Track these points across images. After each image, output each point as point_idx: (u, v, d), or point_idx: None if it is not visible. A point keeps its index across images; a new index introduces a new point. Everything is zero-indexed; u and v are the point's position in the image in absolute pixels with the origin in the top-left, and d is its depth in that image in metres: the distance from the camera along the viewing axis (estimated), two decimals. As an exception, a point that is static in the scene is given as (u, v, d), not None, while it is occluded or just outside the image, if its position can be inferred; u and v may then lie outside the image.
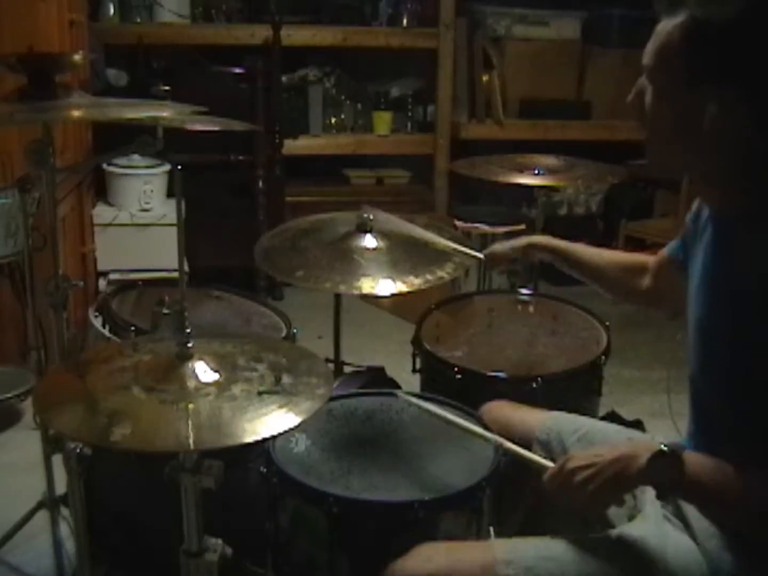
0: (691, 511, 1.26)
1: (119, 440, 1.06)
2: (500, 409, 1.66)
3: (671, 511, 1.32)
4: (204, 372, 1.20)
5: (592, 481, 1.20)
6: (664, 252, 1.55)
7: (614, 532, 1.26)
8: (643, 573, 1.21)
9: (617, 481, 1.19)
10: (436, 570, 1.22)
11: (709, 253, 1.26)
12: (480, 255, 1.89)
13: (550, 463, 1.31)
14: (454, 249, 1.93)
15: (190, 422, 1.11)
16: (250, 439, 1.08)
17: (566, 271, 1.77)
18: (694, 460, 1.16)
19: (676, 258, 1.48)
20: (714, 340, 1.22)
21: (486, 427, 1.50)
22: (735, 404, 1.19)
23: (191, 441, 1.08)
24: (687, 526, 1.27)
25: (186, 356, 1.21)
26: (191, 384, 1.18)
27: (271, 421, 1.12)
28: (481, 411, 1.65)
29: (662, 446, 1.16)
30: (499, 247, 1.86)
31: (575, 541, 1.25)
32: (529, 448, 1.53)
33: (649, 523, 1.30)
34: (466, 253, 1.92)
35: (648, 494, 1.37)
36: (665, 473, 1.15)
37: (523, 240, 1.82)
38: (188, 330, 1.21)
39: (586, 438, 1.52)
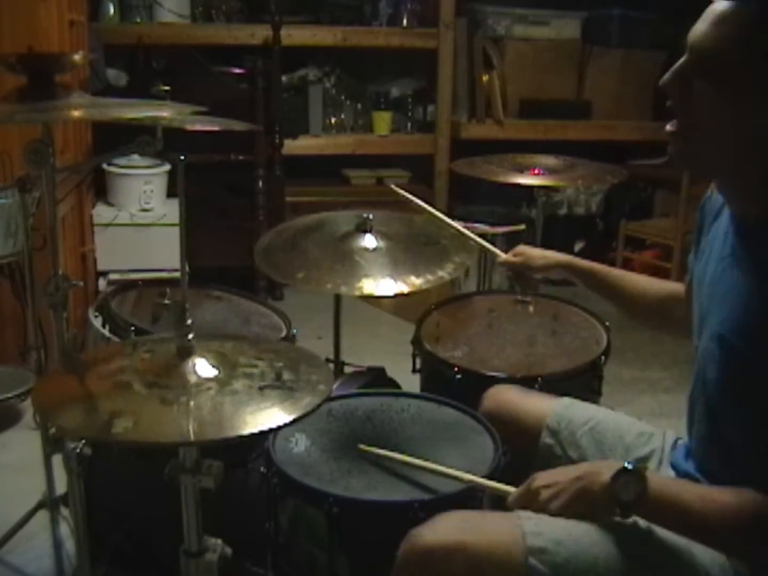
0: None
1: (121, 433, 1.06)
2: (508, 392, 1.64)
3: None
4: (205, 368, 1.20)
5: (555, 498, 1.20)
6: (688, 276, 1.48)
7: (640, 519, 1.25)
8: (669, 562, 1.20)
9: (580, 498, 1.19)
10: (461, 539, 1.17)
11: (727, 254, 1.22)
12: (502, 255, 1.90)
13: (512, 489, 1.30)
14: (476, 242, 1.98)
15: (191, 416, 1.11)
16: (251, 431, 1.08)
17: (596, 294, 1.73)
18: (658, 479, 1.16)
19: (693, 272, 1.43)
20: (740, 348, 1.16)
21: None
22: (754, 415, 1.16)
23: (192, 434, 1.08)
24: None
25: (187, 351, 1.21)
26: (192, 379, 1.18)
27: (273, 415, 1.12)
28: (486, 394, 1.64)
29: (626, 464, 1.15)
30: (530, 254, 1.83)
31: (602, 523, 1.23)
32: (538, 434, 1.53)
33: None
34: (487, 249, 1.96)
35: None
36: (628, 490, 1.14)
37: (558, 258, 1.79)
38: (189, 321, 1.21)
39: (597, 429, 1.51)
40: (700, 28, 1.10)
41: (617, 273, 1.73)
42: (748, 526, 1.11)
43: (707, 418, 1.27)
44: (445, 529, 1.20)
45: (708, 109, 1.12)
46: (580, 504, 1.20)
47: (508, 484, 1.34)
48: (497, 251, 1.93)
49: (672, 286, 1.64)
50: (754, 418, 1.15)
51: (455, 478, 1.37)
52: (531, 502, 1.24)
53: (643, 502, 1.14)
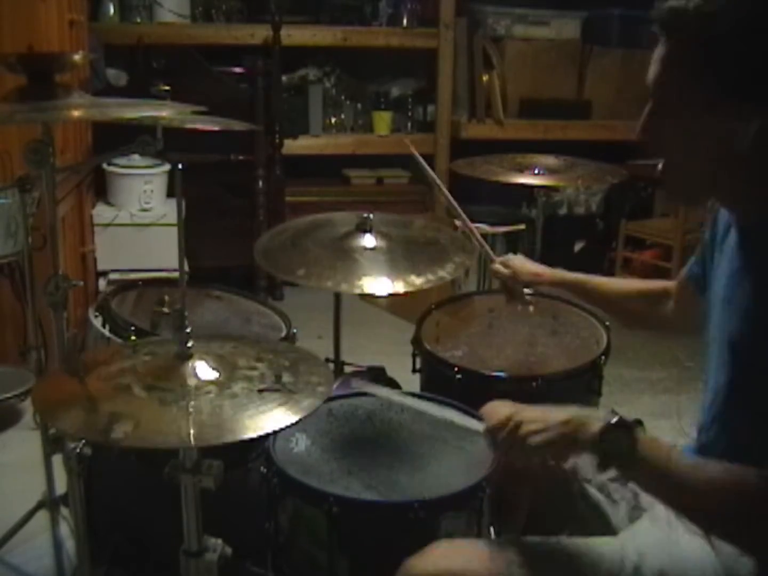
0: None
1: (120, 437, 1.06)
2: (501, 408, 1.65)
3: None
4: (204, 371, 1.20)
5: (537, 435, 1.17)
6: (683, 274, 1.51)
7: (626, 535, 1.25)
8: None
9: (563, 441, 1.16)
10: (450, 568, 1.19)
11: (734, 265, 1.22)
12: (495, 261, 1.90)
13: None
14: (477, 239, 1.99)
15: (191, 419, 1.11)
16: (251, 435, 1.08)
17: (585, 302, 1.77)
18: (649, 440, 1.13)
19: (696, 276, 1.44)
20: (749, 356, 1.16)
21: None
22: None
23: (192, 438, 1.08)
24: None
25: (186, 356, 1.21)
26: (192, 383, 1.18)
27: (272, 418, 1.12)
28: (482, 411, 1.64)
29: (617, 419, 1.13)
30: (519, 268, 1.85)
31: (588, 543, 1.23)
32: None
33: (660, 524, 1.28)
34: (485, 250, 1.97)
35: None
36: (615, 446, 1.12)
37: (544, 277, 1.82)
38: (188, 329, 1.21)
39: None
40: (651, 73, 1.16)
41: (602, 281, 1.76)
42: (737, 502, 1.08)
43: (719, 426, 1.26)
44: (434, 558, 1.22)
45: (678, 141, 1.15)
46: (561, 447, 1.17)
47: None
48: (492, 256, 1.93)
49: (658, 283, 1.67)
50: (763, 424, 1.14)
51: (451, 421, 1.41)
52: (511, 433, 1.21)
53: (629, 460, 1.12)
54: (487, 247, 1.99)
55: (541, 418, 1.20)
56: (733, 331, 1.19)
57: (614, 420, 1.13)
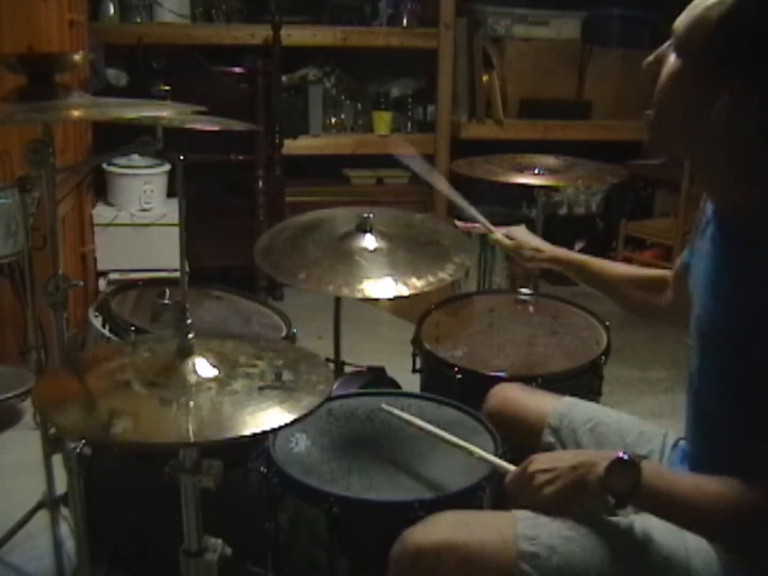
0: None
1: (120, 433, 1.06)
2: (512, 391, 1.65)
3: None
4: (204, 368, 1.20)
5: (551, 484, 1.21)
6: (678, 263, 1.53)
7: (636, 523, 1.25)
8: (664, 566, 1.20)
9: (575, 487, 1.19)
10: (452, 539, 1.18)
11: (710, 250, 1.25)
12: (496, 233, 1.92)
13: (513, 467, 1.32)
14: (471, 214, 2.00)
15: (191, 416, 1.11)
16: (251, 431, 1.08)
17: (585, 284, 1.78)
18: (653, 470, 1.16)
19: (686, 265, 1.45)
20: (712, 338, 1.21)
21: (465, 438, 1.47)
22: (732, 405, 1.18)
23: (192, 434, 1.08)
24: None
25: (187, 351, 1.21)
26: (192, 379, 1.18)
27: (273, 415, 1.12)
28: (490, 392, 1.65)
29: (621, 455, 1.16)
30: (524, 242, 1.86)
31: (599, 525, 1.23)
32: (540, 432, 1.54)
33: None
34: (483, 224, 1.97)
35: None
36: (622, 482, 1.14)
37: (547, 253, 1.83)
38: (189, 321, 1.21)
39: (599, 429, 1.52)
40: (682, 15, 1.17)
41: (603, 264, 1.77)
42: (739, 515, 1.10)
43: (695, 415, 1.29)
44: (436, 528, 1.21)
45: (677, 86, 1.17)
46: (574, 493, 1.20)
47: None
48: (491, 227, 1.95)
49: (657, 272, 1.70)
50: (737, 411, 1.17)
51: (465, 450, 1.41)
52: (526, 484, 1.24)
53: (637, 492, 1.14)
54: (485, 221, 1.99)
55: (551, 465, 1.23)
56: (702, 316, 1.22)
57: (617, 456, 1.15)
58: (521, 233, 1.90)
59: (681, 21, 1.17)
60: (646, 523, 1.23)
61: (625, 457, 1.15)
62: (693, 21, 1.14)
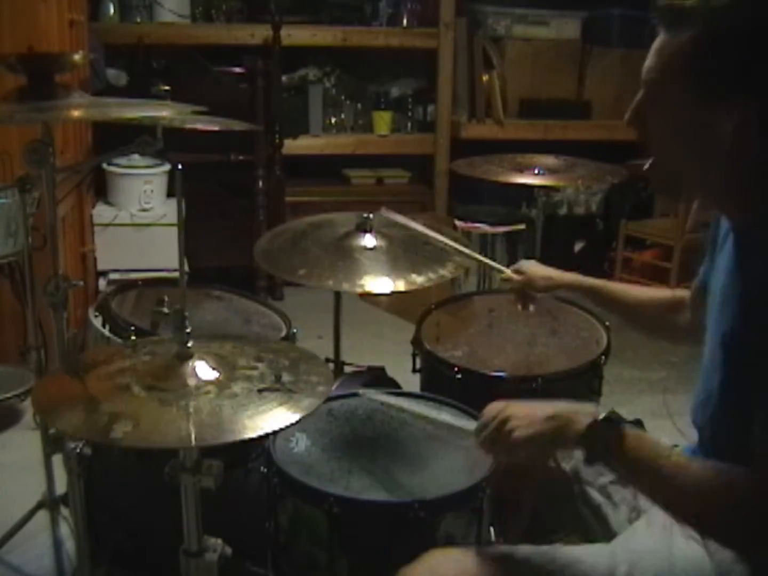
0: None
1: (120, 437, 1.06)
2: None
3: None
4: (204, 371, 1.20)
5: (521, 431, 1.19)
6: (696, 283, 1.49)
7: (619, 542, 1.24)
8: None
9: (548, 436, 1.18)
10: None
11: (730, 265, 1.22)
12: (506, 271, 1.88)
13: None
14: (480, 261, 1.95)
15: (190, 419, 1.11)
16: (250, 435, 1.08)
17: (601, 308, 1.76)
18: (635, 436, 1.13)
19: (703, 283, 1.43)
20: (740, 356, 1.16)
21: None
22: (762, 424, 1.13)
23: (192, 437, 1.08)
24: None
25: (186, 356, 1.21)
26: (191, 382, 1.18)
27: (272, 418, 1.12)
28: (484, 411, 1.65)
29: (604, 415, 1.14)
30: (534, 273, 1.83)
31: (581, 551, 1.23)
32: None
33: (656, 529, 1.28)
34: (493, 267, 1.94)
35: None
36: (601, 443, 1.12)
37: (561, 280, 1.80)
38: (188, 330, 1.21)
39: None
40: (647, 62, 1.16)
41: (618, 287, 1.74)
42: (724, 501, 1.08)
43: (713, 427, 1.26)
44: (429, 566, 1.22)
45: (664, 135, 1.16)
46: (546, 442, 1.19)
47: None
48: (500, 267, 1.92)
49: (673, 294, 1.65)
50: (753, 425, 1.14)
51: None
52: (498, 428, 1.23)
53: (615, 457, 1.12)
54: (491, 263, 1.98)
55: (527, 414, 1.21)
56: (726, 331, 1.19)
57: (601, 416, 1.14)
58: (531, 266, 1.85)
59: (651, 70, 1.15)
60: (629, 546, 1.24)
61: (608, 417, 1.13)
62: (666, 63, 1.12)
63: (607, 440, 1.12)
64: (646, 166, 1.21)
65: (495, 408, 1.27)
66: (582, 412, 1.17)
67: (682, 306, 1.58)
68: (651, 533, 1.27)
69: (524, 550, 1.26)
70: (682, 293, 1.60)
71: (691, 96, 1.11)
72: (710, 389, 1.24)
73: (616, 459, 1.13)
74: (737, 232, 1.22)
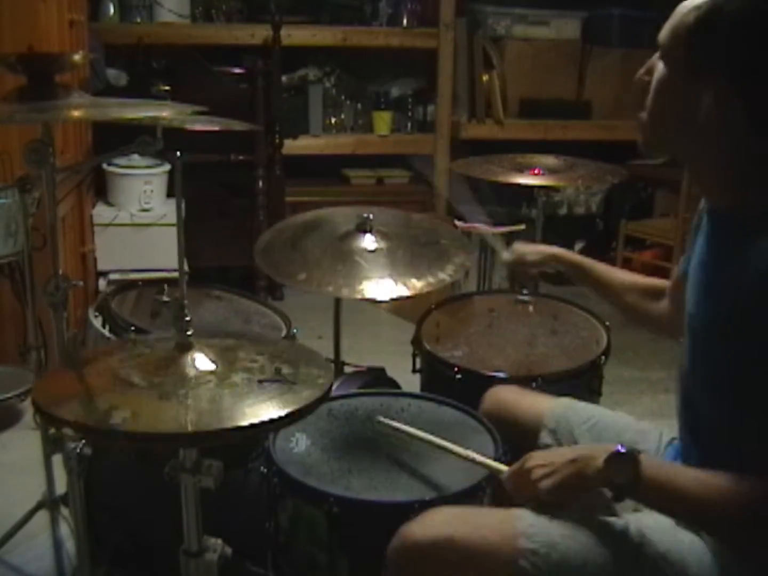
0: None
1: (119, 423, 1.05)
2: (507, 393, 1.66)
3: None
4: (204, 362, 1.20)
5: (548, 478, 1.21)
6: (676, 272, 1.53)
7: (631, 524, 1.25)
8: (660, 564, 1.20)
9: (573, 479, 1.20)
10: (450, 534, 1.18)
11: (704, 248, 1.26)
12: (505, 254, 1.94)
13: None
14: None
15: (189, 408, 1.10)
16: (250, 422, 1.07)
17: (584, 287, 1.79)
18: (652, 463, 1.16)
19: (686, 274, 1.44)
20: (704, 337, 1.21)
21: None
22: (724, 404, 1.18)
23: (191, 425, 1.07)
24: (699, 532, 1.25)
25: (186, 347, 1.21)
26: (191, 373, 1.18)
27: (272, 408, 1.11)
28: (485, 395, 1.65)
29: (619, 448, 1.16)
30: (524, 249, 1.89)
31: (596, 524, 1.23)
32: (537, 433, 1.54)
33: (660, 521, 1.29)
34: (495, 249, 2.01)
35: None
36: (621, 474, 1.14)
37: (549, 250, 1.85)
38: (188, 318, 1.21)
39: (596, 428, 1.52)
40: (665, 25, 1.22)
41: (603, 268, 1.78)
42: (739, 509, 1.10)
43: (686, 414, 1.29)
44: (434, 524, 1.22)
45: (665, 90, 1.21)
46: (573, 486, 1.20)
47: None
48: (500, 251, 1.97)
49: (655, 281, 1.69)
50: (729, 410, 1.17)
51: (459, 455, 1.40)
52: (524, 480, 1.25)
53: (637, 485, 1.14)
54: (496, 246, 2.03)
55: (548, 461, 1.23)
56: (697, 316, 1.23)
57: (615, 450, 1.16)
58: (519, 245, 1.92)
59: (664, 31, 1.22)
60: (641, 522, 1.23)
61: (624, 450, 1.16)
62: (673, 28, 1.19)
63: (626, 472, 1.14)
64: (640, 115, 1.26)
65: (518, 463, 1.29)
66: (599, 450, 1.19)
67: (662, 295, 1.62)
68: (656, 518, 1.28)
69: (539, 515, 1.25)
70: (665, 283, 1.64)
71: (686, 63, 1.17)
72: (683, 372, 1.28)
73: (638, 488, 1.15)
74: (714, 218, 1.25)
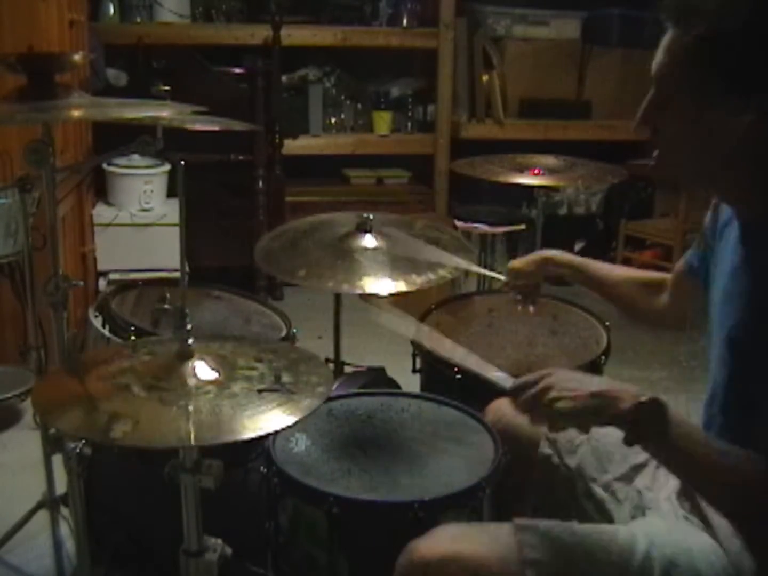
0: (712, 511, 1.24)
1: (120, 437, 1.06)
2: (507, 405, 1.65)
3: (688, 509, 1.30)
4: (204, 371, 1.20)
5: (565, 402, 1.15)
6: (681, 266, 1.51)
7: (635, 524, 1.24)
8: (668, 569, 1.19)
9: (593, 413, 1.15)
10: (458, 551, 1.17)
11: (735, 259, 1.22)
12: (503, 278, 1.89)
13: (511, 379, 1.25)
14: (477, 272, 1.97)
15: (190, 419, 1.11)
16: (250, 435, 1.08)
17: (581, 285, 1.77)
18: (681, 423, 1.14)
19: (694, 269, 1.44)
20: (749, 350, 1.17)
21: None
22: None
23: (192, 437, 1.08)
24: (708, 526, 1.25)
25: (186, 354, 1.21)
26: (191, 382, 1.18)
27: (271, 418, 1.12)
28: (487, 408, 1.64)
29: (651, 397, 1.14)
30: (518, 263, 1.85)
31: (599, 528, 1.23)
32: (537, 444, 1.53)
33: (668, 520, 1.29)
34: (490, 276, 1.96)
35: (663, 492, 1.36)
36: (648, 424, 1.12)
37: (541, 256, 1.82)
38: (189, 327, 1.21)
39: (595, 438, 1.49)
40: (656, 58, 1.17)
41: (597, 264, 1.75)
42: (748, 479, 1.10)
43: (719, 424, 1.26)
44: (441, 540, 1.21)
45: (673, 133, 1.17)
46: (587, 419, 1.16)
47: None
48: (499, 277, 1.94)
49: (655, 274, 1.67)
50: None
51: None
52: (540, 392, 1.18)
53: (660, 441, 1.12)
54: (490, 273, 2.01)
55: (573, 385, 1.17)
56: (733, 326, 1.20)
57: (647, 398, 1.13)
58: (513, 263, 1.87)
59: (660, 67, 1.16)
60: (647, 529, 1.23)
61: (656, 400, 1.13)
62: (675, 61, 1.13)
63: (654, 424, 1.12)
64: (654, 160, 1.21)
65: (539, 372, 1.22)
66: (628, 392, 1.15)
67: (662, 288, 1.60)
68: (664, 522, 1.27)
69: (542, 523, 1.23)
70: (664, 276, 1.62)
71: (703, 92, 1.12)
72: (716, 385, 1.25)
73: (660, 444, 1.13)
74: (747, 228, 1.22)
